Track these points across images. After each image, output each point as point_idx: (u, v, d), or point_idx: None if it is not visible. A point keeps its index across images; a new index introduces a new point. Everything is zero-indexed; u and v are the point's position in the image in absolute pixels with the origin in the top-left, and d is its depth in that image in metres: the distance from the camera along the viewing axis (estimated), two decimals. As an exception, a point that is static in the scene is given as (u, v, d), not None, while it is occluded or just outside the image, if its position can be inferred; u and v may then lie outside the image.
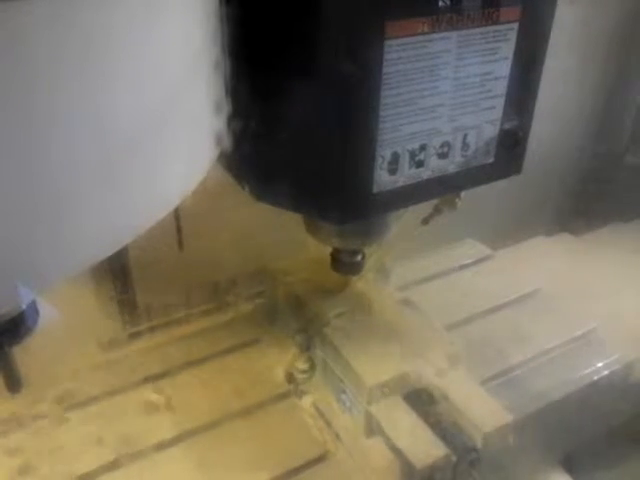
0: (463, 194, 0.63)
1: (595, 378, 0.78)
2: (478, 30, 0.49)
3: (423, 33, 0.46)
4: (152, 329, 0.78)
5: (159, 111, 0.37)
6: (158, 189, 0.39)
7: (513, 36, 0.51)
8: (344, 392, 0.70)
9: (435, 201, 0.66)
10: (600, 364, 0.80)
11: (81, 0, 0.30)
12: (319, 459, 0.68)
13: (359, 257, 0.67)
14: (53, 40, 0.30)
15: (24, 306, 0.38)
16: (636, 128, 1.07)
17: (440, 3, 0.46)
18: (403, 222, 0.63)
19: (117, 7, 0.32)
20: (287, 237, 0.64)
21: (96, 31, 0.31)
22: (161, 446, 0.67)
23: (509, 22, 0.50)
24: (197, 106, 0.42)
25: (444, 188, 0.56)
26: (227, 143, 0.47)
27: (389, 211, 0.59)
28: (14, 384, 0.42)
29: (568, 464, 0.81)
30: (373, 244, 0.66)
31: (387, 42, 0.45)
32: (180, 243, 0.67)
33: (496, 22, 0.49)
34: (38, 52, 0.29)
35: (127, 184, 0.36)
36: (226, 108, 0.46)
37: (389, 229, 0.63)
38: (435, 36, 0.47)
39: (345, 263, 0.67)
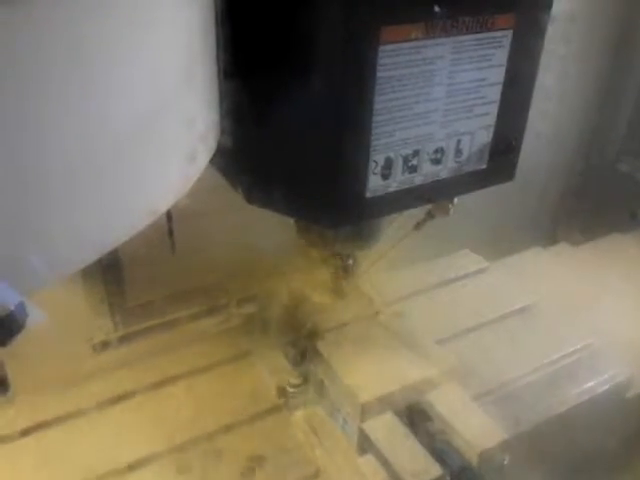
0: (456, 200, 0.64)
1: (592, 394, 0.79)
2: (473, 37, 0.51)
3: (418, 39, 0.48)
4: (143, 332, 0.79)
5: (148, 118, 0.38)
6: (148, 193, 0.41)
7: (507, 43, 0.53)
8: (337, 408, 0.71)
9: (428, 206, 0.67)
10: (597, 380, 0.80)
11: (72, 9, 0.32)
12: (310, 476, 0.69)
13: (350, 261, 0.69)
14: (43, 46, 0.31)
15: (12, 307, 0.40)
16: (628, 136, 1.11)
17: (435, 9, 0.48)
18: (396, 229, 0.65)
19: (109, 16, 0.34)
20: (280, 241, 0.66)
21: (88, 39, 0.33)
22: (148, 460, 0.68)
23: (504, 29, 0.52)
24: (186, 113, 0.43)
25: (437, 194, 0.58)
26: (221, 149, 0.48)
27: (382, 216, 0.61)
28: (2, 387, 0.44)
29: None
30: (365, 248, 0.67)
31: (382, 47, 0.47)
32: (172, 245, 0.68)
33: (491, 29, 0.51)
34: (30, 57, 0.31)
35: (116, 188, 0.38)
36: (218, 115, 0.48)
37: (381, 234, 0.65)
38: (430, 42, 0.49)
39: (336, 267, 0.69)
